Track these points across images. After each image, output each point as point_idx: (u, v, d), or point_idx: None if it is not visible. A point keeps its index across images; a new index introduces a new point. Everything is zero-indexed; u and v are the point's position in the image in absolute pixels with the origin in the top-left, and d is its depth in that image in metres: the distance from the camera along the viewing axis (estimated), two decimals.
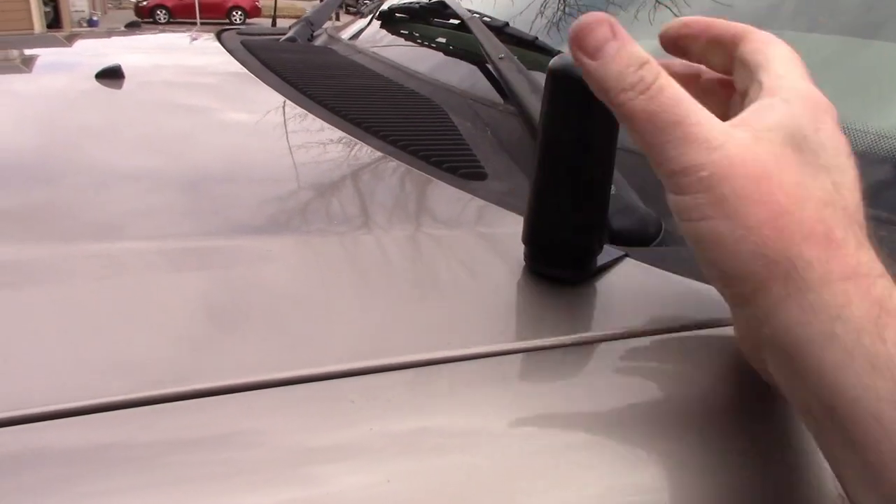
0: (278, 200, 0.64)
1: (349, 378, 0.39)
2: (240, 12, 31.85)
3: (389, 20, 1.20)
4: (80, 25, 25.79)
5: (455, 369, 0.41)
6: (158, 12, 32.55)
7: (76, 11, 26.83)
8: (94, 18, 28.06)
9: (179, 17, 31.18)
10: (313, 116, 0.82)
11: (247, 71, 1.01)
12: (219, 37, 1.26)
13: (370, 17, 1.34)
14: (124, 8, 37.02)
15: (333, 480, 0.33)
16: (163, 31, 1.67)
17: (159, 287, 0.46)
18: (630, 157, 0.68)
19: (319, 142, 0.77)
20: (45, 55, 1.28)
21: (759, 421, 0.41)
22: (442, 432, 0.37)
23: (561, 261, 0.49)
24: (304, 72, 0.98)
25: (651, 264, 0.53)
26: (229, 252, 0.51)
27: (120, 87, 0.96)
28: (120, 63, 0.97)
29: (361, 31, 1.33)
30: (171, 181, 0.66)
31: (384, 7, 1.28)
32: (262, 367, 0.38)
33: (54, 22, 21.79)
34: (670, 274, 0.52)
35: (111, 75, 0.95)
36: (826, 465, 0.37)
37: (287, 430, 0.35)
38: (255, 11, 32.21)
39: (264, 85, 0.94)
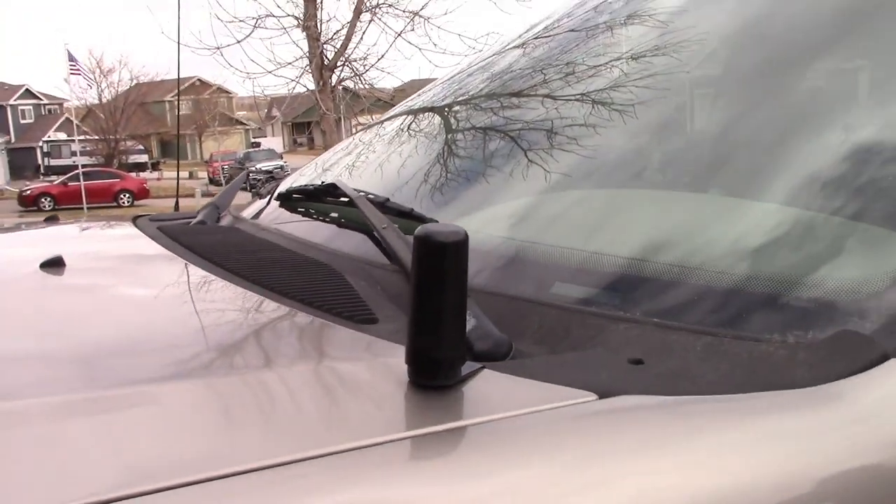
0: (196, 352, 0.81)
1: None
2: (127, 195, 31.79)
3: (287, 200, 1.39)
4: None
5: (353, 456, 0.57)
6: (42, 200, 32.26)
7: None
8: None
9: (65, 204, 30.89)
10: (233, 285, 1.00)
11: (173, 253, 1.17)
12: (135, 223, 1.42)
13: (268, 197, 1.53)
14: (6, 198, 36.47)
15: None
16: (76, 222, 1.82)
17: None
18: (483, 296, 0.88)
19: (241, 304, 0.95)
20: None
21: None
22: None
23: (433, 374, 0.67)
24: (221, 250, 1.16)
25: (501, 371, 0.70)
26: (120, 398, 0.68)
27: (62, 274, 1.11)
28: (61, 254, 1.12)
29: (261, 210, 1.52)
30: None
31: (281, 189, 1.47)
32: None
33: None
34: (515, 377, 0.70)
35: (54, 265, 1.10)
36: None
37: None
38: (142, 193, 32.19)
39: (190, 264, 1.11)
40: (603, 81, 1.23)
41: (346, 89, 9.68)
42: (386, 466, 0.58)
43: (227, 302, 0.98)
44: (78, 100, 39.13)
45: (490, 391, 0.68)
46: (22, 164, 52.09)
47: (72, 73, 25.79)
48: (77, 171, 30.71)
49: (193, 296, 1.03)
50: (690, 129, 1.18)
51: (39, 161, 51.10)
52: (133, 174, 39.73)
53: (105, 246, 1.46)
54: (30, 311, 0.97)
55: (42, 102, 59.60)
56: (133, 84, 52.26)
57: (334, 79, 9.18)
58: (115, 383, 0.73)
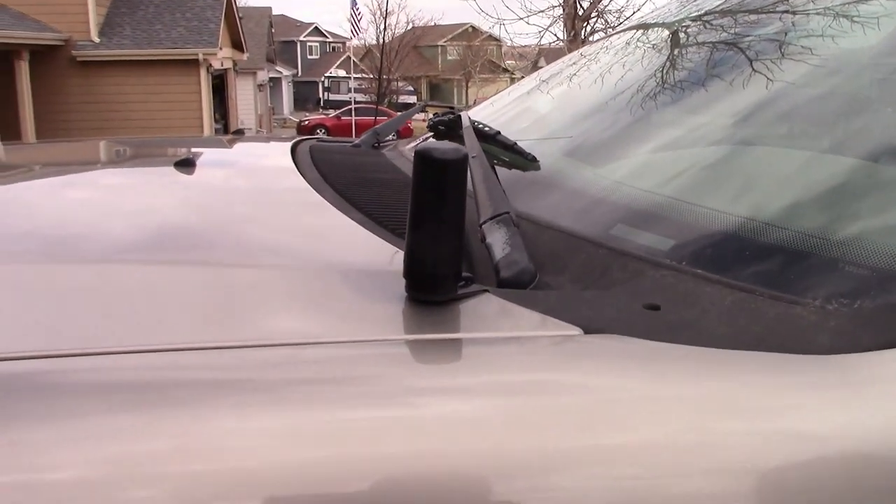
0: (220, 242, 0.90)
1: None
2: (394, 134, 33.39)
3: (434, 130, 1.43)
4: None
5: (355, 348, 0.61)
6: (318, 131, 34.76)
7: (245, 128, 29.13)
8: (260, 134, 30.32)
9: (336, 136, 33.13)
10: (315, 193, 1.06)
11: (294, 166, 1.25)
12: (296, 144, 1.53)
13: (430, 132, 1.58)
14: (288, 126, 39.68)
15: None
16: (264, 136, 1.98)
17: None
18: (541, 228, 0.87)
19: (307, 206, 1.02)
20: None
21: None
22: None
23: (426, 288, 0.68)
24: (339, 167, 1.22)
25: (506, 298, 0.70)
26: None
27: (189, 172, 1.23)
28: (192, 157, 1.26)
29: (421, 140, 1.57)
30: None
31: (433, 121, 1.52)
32: None
33: (224, 134, 23.68)
34: (500, 298, 0.69)
35: (187, 164, 1.23)
36: None
37: None
38: (406, 132, 33.66)
39: (300, 175, 1.19)
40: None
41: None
42: (357, 362, 0.61)
43: (297, 207, 1.05)
44: (358, 41, 41.33)
45: (481, 313, 0.68)
46: (305, 96, 56.23)
47: (349, 19, 27.34)
48: (350, 107, 32.67)
49: (272, 199, 1.11)
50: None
51: (320, 94, 54.84)
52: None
53: (251, 159, 1.59)
54: (141, 194, 1.11)
55: (328, 40, 63.70)
56: (409, 27, 54.47)
57: (586, 30, 9.07)
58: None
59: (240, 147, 1.76)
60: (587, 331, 0.64)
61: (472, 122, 1.15)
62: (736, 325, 0.66)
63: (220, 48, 20.46)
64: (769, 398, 0.59)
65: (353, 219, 0.96)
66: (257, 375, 0.58)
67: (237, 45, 24.56)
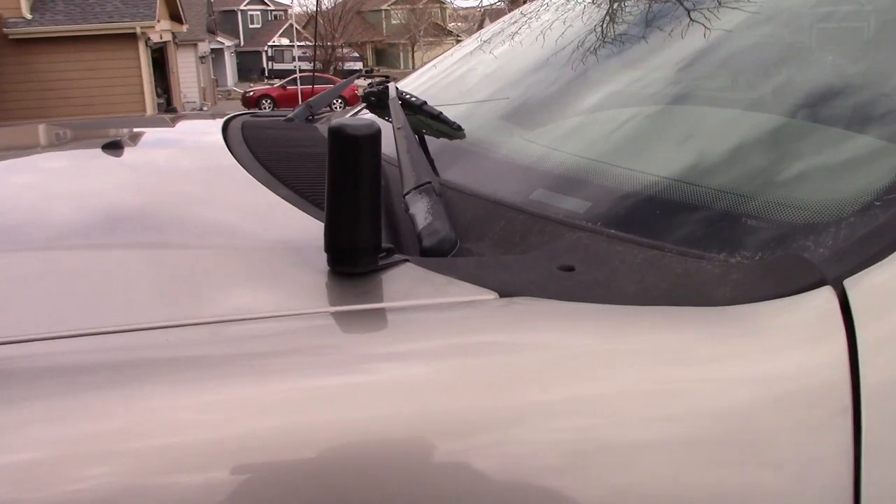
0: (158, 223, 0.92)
1: None
2: (341, 101, 33.09)
3: (366, 102, 1.45)
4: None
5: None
6: (263, 102, 34.31)
7: (188, 102, 28.60)
8: (204, 108, 29.83)
9: (283, 106, 32.74)
10: (243, 171, 1.07)
11: (224, 143, 1.26)
12: (229, 119, 1.53)
13: (363, 103, 1.59)
14: (232, 98, 39.06)
15: None
16: (195, 114, 1.97)
17: None
18: (463, 195, 0.89)
19: (236, 185, 1.03)
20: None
21: None
22: None
23: (346, 262, 0.70)
24: (267, 142, 1.24)
25: (425, 267, 0.73)
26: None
27: (117, 155, 1.23)
28: (120, 139, 1.26)
29: (355, 113, 1.58)
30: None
31: (368, 91, 1.53)
32: None
33: (167, 113, 23.31)
34: (420, 268, 0.72)
35: (114, 148, 1.23)
36: None
37: None
38: (354, 99, 33.38)
39: (230, 152, 1.19)
40: None
41: None
42: (286, 335, 0.63)
43: (226, 186, 1.06)
44: (300, 8, 40.72)
45: (402, 281, 0.71)
46: (249, 66, 55.31)
47: None
48: (295, 76, 32.24)
49: (201, 179, 1.12)
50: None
51: (264, 64, 54.01)
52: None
53: (183, 136, 1.59)
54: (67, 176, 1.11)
55: (269, 8, 62.61)
56: None
57: None
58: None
59: (173, 126, 1.75)
60: (502, 294, 0.66)
61: (399, 93, 1.16)
62: (645, 282, 0.69)
63: (158, 20, 20.01)
64: (675, 350, 0.62)
65: (280, 195, 0.97)
66: (195, 352, 0.60)
67: (176, 16, 24.03)
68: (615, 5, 1.39)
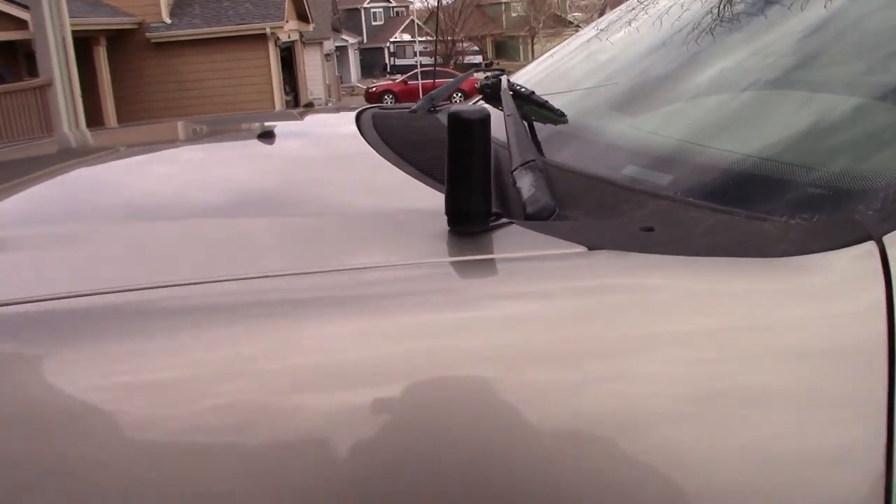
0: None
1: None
2: (460, 95, 33.33)
3: (482, 94, 1.60)
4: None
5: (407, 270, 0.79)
6: (386, 97, 35.06)
7: (314, 99, 29.58)
8: (329, 104, 30.81)
9: (404, 101, 33.36)
10: (376, 154, 1.24)
11: (358, 131, 1.44)
12: (360, 112, 1.71)
13: (479, 94, 1.75)
14: (356, 94, 39.98)
15: None
16: (333, 108, 2.18)
17: None
18: (563, 171, 1.03)
19: (370, 166, 1.20)
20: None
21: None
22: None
23: (463, 222, 0.85)
24: (397, 130, 1.40)
25: (528, 228, 0.87)
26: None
27: (271, 142, 1.43)
28: (272, 129, 1.46)
29: (474, 103, 1.73)
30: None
31: (484, 83, 1.68)
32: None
33: (294, 107, 24.25)
34: (525, 228, 0.86)
35: (268, 136, 1.43)
36: None
37: None
38: (473, 92, 33.50)
39: (365, 139, 1.37)
40: None
41: None
42: (414, 280, 0.79)
43: (361, 166, 1.23)
44: (421, 3, 41.17)
45: (509, 240, 0.85)
46: (371, 62, 56.50)
47: None
48: (416, 71, 32.81)
49: (343, 161, 1.31)
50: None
51: (386, 60, 55.09)
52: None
53: (322, 128, 1.79)
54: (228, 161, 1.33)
55: (391, 5, 63.67)
56: None
57: None
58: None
59: (312, 119, 1.96)
60: (591, 248, 0.80)
61: (510, 85, 1.31)
62: (715, 240, 0.81)
63: (287, 21, 20.76)
64: (738, 293, 0.75)
65: (408, 173, 1.13)
66: (336, 293, 0.77)
67: (302, 16, 24.83)
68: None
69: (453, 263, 0.83)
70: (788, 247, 0.78)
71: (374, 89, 36.30)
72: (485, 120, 0.82)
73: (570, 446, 0.70)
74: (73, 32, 10.19)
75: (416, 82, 32.12)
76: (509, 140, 1.08)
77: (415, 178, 1.12)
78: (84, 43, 16.16)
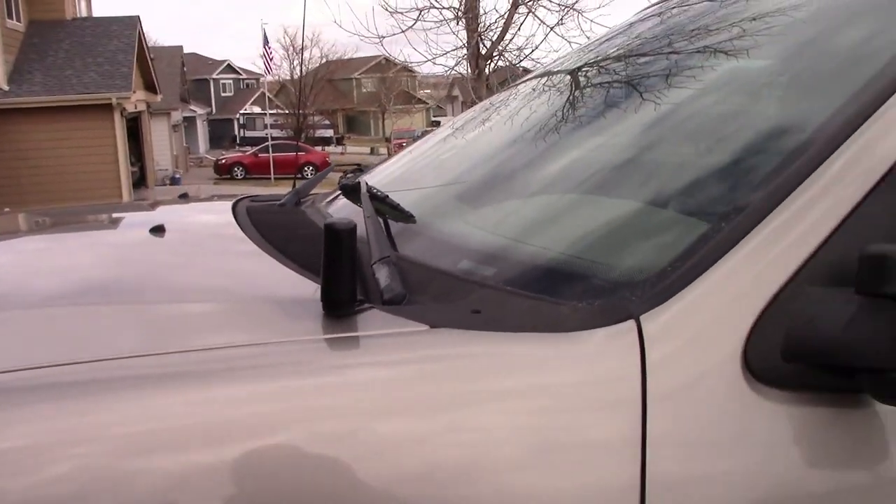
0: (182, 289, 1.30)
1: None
2: (311, 167, 33.49)
3: (344, 192, 1.85)
4: (164, 183, 27.93)
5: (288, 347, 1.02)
6: (235, 169, 34.80)
7: (160, 170, 29.03)
8: (177, 176, 30.22)
9: (255, 174, 33.15)
10: (254, 246, 1.47)
11: (237, 225, 1.66)
12: (235, 204, 1.92)
13: (337, 191, 2.01)
14: (204, 166, 39.41)
15: None
16: (204, 199, 2.40)
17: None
18: (413, 264, 1.29)
19: (251, 260, 1.43)
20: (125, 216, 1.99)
21: None
22: None
23: (332, 307, 1.10)
24: (272, 225, 1.64)
25: (380, 310, 1.12)
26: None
27: (162, 237, 1.64)
28: (163, 222, 1.66)
29: (333, 198, 1.98)
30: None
31: (343, 182, 1.94)
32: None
33: (140, 180, 23.73)
34: (382, 312, 1.11)
35: (158, 230, 1.63)
36: None
37: None
38: (325, 166, 33.54)
39: (242, 232, 1.59)
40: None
41: (499, 81, 10.22)
42: (291, 352, 1.02)
43: (242, 257, 1.47)
44: (272, 77, 41.38)
45: (368, 320, 1.10)
46: (220, 134, 55.96)
47: (261, 56, 27.58)
48: (267, 144, 32.85)
49: (220, 253, 1.54)
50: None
51: (236, 132, 54.77)
52: (318, 148, 42.02)
53: (201, 218, 2.01)
54: (121, 256, 1.53)
55: (241, 77, 63.55)
56: (323, 61, 54.80)
57: (489, 68, 9.71)
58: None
59: (192, 209, 2.17)
60: (432, 326, 1.06)
61: (369, 188, 1.57)
62: (523, 320, 1.09)
63: (134, 91, 20.45)
64: (538, 359, 1.02)
65: (285, 265, 1.37)
66: (219, 367, 0.98)
67: (150, 86, 24.49)
68: (554, 100, 1.83)
69: (326, 339, 1.07)
70: (575, 324, 1.06)
71: (223, 161, 35.92)
72: (352, 231, 1.07)
73: (415, 489, 0.93)
74: None
75: (266, 155, 32.10)
76: (369, 238, 1.34)
77: (294, 270, 1.35)
78: None
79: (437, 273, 1.27)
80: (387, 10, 9.94)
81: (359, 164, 2.30)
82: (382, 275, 1.21)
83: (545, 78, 2.04)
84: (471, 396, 0.98)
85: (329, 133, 53.27)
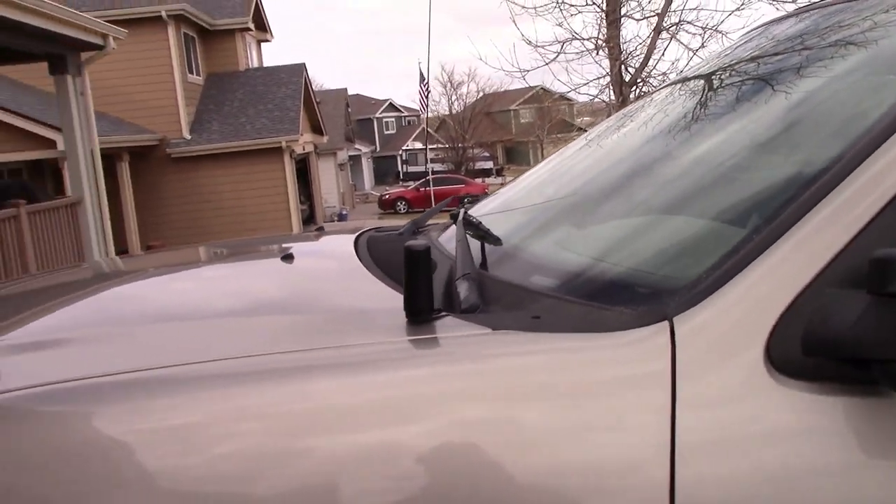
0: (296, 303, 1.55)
1: None
2: (467, 198, 33.55)
3: (453, 219, 2.08)
4: (332, 219, 29.29)
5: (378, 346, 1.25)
6: (398, 203, 36.04)
7: (328, 207, 30.47)
8: (344, 213, 31.63)
9: (417, 207, 34.07)
10: (367, 272, 1.72)
11: (354, 253, 1.92)
12: (358, 236, 2.20)
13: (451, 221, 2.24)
14: (370, 202, 40.89)
15: None
16: (336, 232, 2.71)
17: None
18: (490, 279, 1.50)
19: (365, 284, 1.68)
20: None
21: None
22: None
23: (413, 315, 1.31)
24: (384, 252, 1.90)
25: (456, 317, 1.32)
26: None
27: (290, 262, 1.93)
28: (292, 252, 1.97)
29: (446, 228, 2.22)
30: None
31: (453, 213, 2.17)
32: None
33: (310, 217, 25.01)
34: (456, 319, 1.32)
35: (288, 259, 1.93)
36: None
37: None
38: (482, 193, 34.41)
39: (357, 259, 1.85)
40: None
41: None
42: (384, 352, 1.25)
43: (354, 280, 1.72)
44: (431, 112, 42.49)
45: (444, 325, 1.31)
46: (384, 170, 57.90)
47: (419, 94, 28.47)
48: (428, 178, 33.76)
49: (335, 277, 1.81)
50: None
51: (399, 168, 56.52)
52: (478, 180, 42.77)
53: (328, 247, 2.32)
54: (255, 278, 1.83)
55: (403, 115, 65.60)
56: (479, 95, 55.73)
57: (633, 94, 9.76)
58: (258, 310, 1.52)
59: (322, 241, 2.49)
60: (494, 328, 1.26)
61: (465, 216, 1.80)
62: (575, 323, 1.27)
63: (301, 134, 21.66)
64: (589, 351, 1.20)
65: (387, 284, 1.61)
66: (341, 360, 1.22)
67: (317, 128, 25.80)
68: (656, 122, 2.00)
69: (411, 340, 1.29)
70: (619, 326, 1.23)
71: (387, 196, 37.10)
72: (426, 251, 1.30)
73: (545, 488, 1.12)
74: (99, 150, 10.91)
75: (428, 189, 32.94)
76: (456, 258, 1.56)
77: (392, 288, 1.59)
78: (108, 159, 17.03)
79: (510, 286, 1.48)
80: (529, 44, 10.20)
81: (475, 196, 2.54)
82: (462, 289, 1.42)
83: (630, 115, 2.21)
84: (530, 389, 1.16)
85: (489, 164, 54.01)
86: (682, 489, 1.10)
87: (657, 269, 1.37)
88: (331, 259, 2.07)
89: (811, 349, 1.13)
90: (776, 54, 1.85)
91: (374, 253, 1.91)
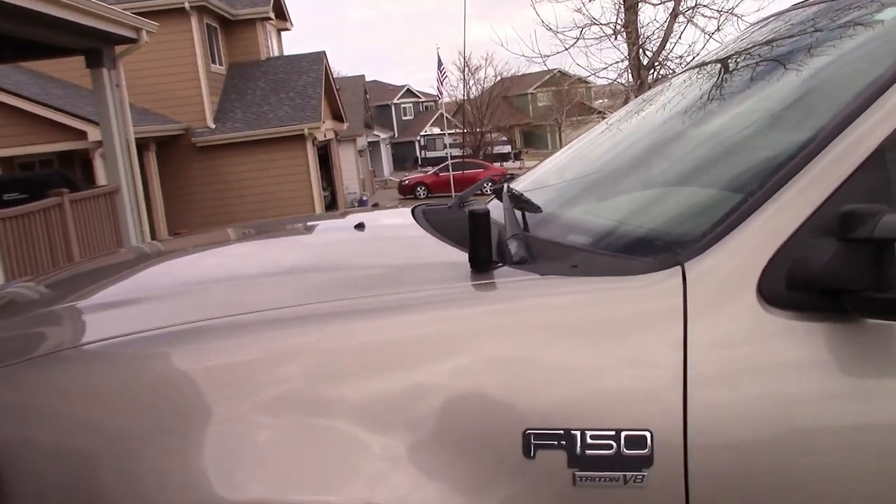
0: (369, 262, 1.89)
1: None
2: (490, 183, 33.68)
3: (495, 194, 2.41)
4: (353, 205, 29.59)
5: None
6: (418, 189, 36.20)
7: (349, 193, 30.75)
8: (364, 198, 31.86)
9: (436, 192, 34.25)
10: (428, 235, 2.05)
11: (416, 222, 2.26)
12: (413, 209, 2.53)
13: (492, 195, 2.57)
14: (389, 188, 41.09)
15: None
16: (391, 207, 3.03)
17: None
18: (533, 239, 1.83)
19: (424, 242, 2.01)
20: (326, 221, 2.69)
21: None
22: None
23: (476, 266, 1.64)
24: (440, 220, 2.23)
25: (510, 267, 1.65)
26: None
27: (362, 230, 2.27)
28: (363, 222, 2.30)
29: (489, 202, 2.55)
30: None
31: (494, 188, 2.50)
32: None
33: (332, 203, 25.31)
34: (510, 268, 1.64)
35: (360, 227, 2.27)
36: None
37: None
38: (502, 178, 34.55)
39: (419, 226, 2.19)
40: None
41: None
42: (452, 293, 1.58)
43: (417, 240, 2.05)
44: (448, 97, 42.49)
45: (502, 272, 1.64)
46: (403, 156, 57.96)
47: (437, 80, 28.60)
48: (447, 163, 33.87)
49: (404, 240, 2.15)
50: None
51: (417, 153, 56.69)
52: (496, 164, 42.87)
53: (391, 219, 2.67)
54: (330, 243, 2.18)
55: (420, 100, 65.55)
56: (497, 80, 55.71)
57: (651, 77, 10.03)
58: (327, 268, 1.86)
59: (383, 213, 2.86)
60: (542, 274, 1.58)
61: (510, 189, 2.13)
62: (605, 268, 1.59)
63: (323, 121, 21.92)
64: (618, 289, 1.52)
65: (448, 244, 1.94)
66: (419, 301, 1.56)
67: (337, 115, 26.01)
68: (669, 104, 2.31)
69: (475, 284, 1.61)
70: (641, 270, 1.55)
71: (406, 182, 37.14)
72: (487, 214, 1.62)
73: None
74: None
75: (447, 174, 33.01)
76: (506, 221, 1.89)
77: (454, 246, 1.93)
78: (137, 149, 17.41)
79: (551, 244, 1.80)
80: (549, 30, 10.48)
81: (512, 174, 2.87)
82: (513, 246, 1.75)
83: (648, 100, 2.53)
84: (569, 324, 1.48)
85: (507, 149, 54.00)
86: (694, 402, 1.39)
87: (670, 229, 1.69)
88: (398, 227, 2.41)
89: (793, 285, 1.43)
90: (774, 41, 2.16)
91: (432, 221, 2.25)
